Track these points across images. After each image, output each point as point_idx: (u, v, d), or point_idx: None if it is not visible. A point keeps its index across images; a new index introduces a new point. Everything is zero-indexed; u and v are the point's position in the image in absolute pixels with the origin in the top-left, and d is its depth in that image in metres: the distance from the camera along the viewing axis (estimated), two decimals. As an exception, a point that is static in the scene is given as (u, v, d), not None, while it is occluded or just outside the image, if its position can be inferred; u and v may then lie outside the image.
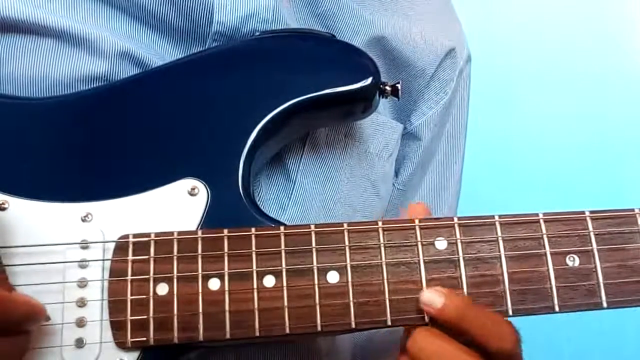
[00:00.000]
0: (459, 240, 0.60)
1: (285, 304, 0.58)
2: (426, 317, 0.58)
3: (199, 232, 0.60)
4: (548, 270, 0.59)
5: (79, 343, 0.57)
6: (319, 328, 0.58)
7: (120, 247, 0.59)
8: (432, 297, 0.58)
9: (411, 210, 0.63)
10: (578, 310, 0.60)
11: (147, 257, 0.59)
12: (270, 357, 0.69)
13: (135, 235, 0.59)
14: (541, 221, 0.61)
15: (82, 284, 0.58)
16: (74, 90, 0.65)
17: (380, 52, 0.76)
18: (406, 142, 0.81)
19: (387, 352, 0.77)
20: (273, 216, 0.63)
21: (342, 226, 0.60)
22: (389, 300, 0.59)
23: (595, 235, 0.60)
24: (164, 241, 0.59)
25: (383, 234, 0.60)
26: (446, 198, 0.85)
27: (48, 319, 0.57)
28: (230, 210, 0.62)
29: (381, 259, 0.59)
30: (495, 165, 1.56)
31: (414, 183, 0.83)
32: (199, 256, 0.59)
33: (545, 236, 0.60)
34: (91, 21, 0.67)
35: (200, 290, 0.58)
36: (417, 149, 0.82)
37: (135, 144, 0.63)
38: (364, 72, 0.66)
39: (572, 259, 0.60)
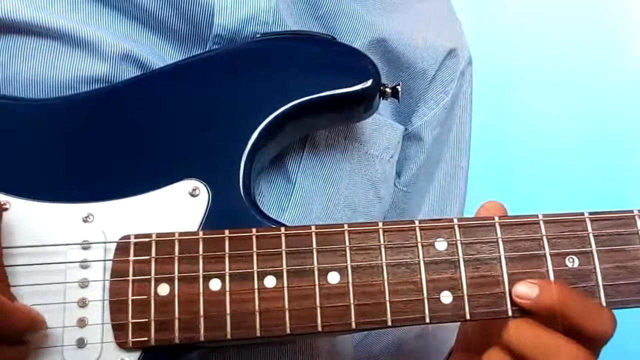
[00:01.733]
0: (458, 241, 0.60)
1: (286, 304, 0.58)
2: (427, 318, 0.58)
3: (200, 233, 0.60)
4: (548, 271, 0.60)
5: (80, 343, 0.58)
6: (320, 328, 0.58)
7: (122, 247, 0.59)
8: (526, 289, 0.58)
9: (486, 208, 0.63)
10: (578, 311, 0.60)
11: (148, 257, 0.59)
12: (271, 357, 0.69)
13: (136, 236, 0.60)
14: (541, 222, 0.61)
15: (84, 284, 0.58)
16: (75, 92, 0.66)
17: (380, 53, 0.76)
18: (408, 144, 0.81)
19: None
20: (273, 217, 0.64)
21: (343, 227, 0.60)
22: (390, 301, 0.59)
23: (595, 236, 0.60)
24: (165, 242, 0.59)
25: (383, 235, 0.60)
26: (454, 201, 0.85)
27: (46, 328, 0.57)
28: (231, 211, 0.62)
29: (381, 259, 0.60)
30: (494, 165, 1.56)
31: (420, 186, 0.83)
32: (200, 257, 0.59)
33: (544, 237, 0.60)
34: (92, 23, 0.67)
35: (201, 291, 0.58)
36: (419, 150, 0.82)
37: (137, 145, 0.63)
38: (364, 74, 0.67)
39: (571, 260, 0.60)
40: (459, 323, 0.68)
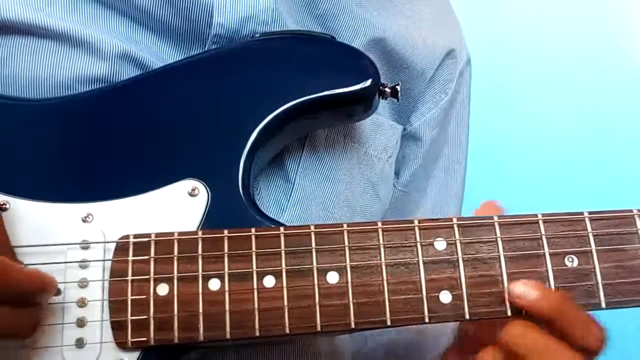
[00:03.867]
0: (458, 241, 0.60)
1: (285, 304, 0.58)
2: (426, 318, 0.58)
3: (199, 233, 0.60)
4: (547, 270, 0.60)
5: (80, 343, 0.57)
6: (319, 328, 0.58)
7: (121, 247, 0.59)
8: (525, 290, 0.58)
9: (485, 208, 0.63)
10: (577, 311, 0.60)
11: (147, 257, 0.59)
12: (270, 357, 0.69)
13: (135, 236, 0.60)
14: (540, 222, 0.61)
15: (83, 284, 0.58)
16: (74, 92, 0.66)
17: (379, 53, 0.76)
18: (406, 143, 0.81)
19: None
20: (272, 217, 0.63)
21: (342, 227, 0.60)
22: (389, 300, 0.59)
23: (594, 235, 0.60)
24: (164, 242, 0.59)
25: (382, 234, 0.60)
26: (452, 200, 0.85)
27: (59, 292, 0.57)
28: (230, 211, 0.62)
29: (380, 259, 0.60)
30: (494, 165, 1.56)
31: (418, 185, 0.83)
32: (199, 256, 0.59)
33: (544, 237, 0.60)
34: (91, 23, 0.67)
35: (200, 291, 0.58)
36: (417, 150, 0.82)
37: (136, 145, 0.63)
38: (363, 73, 0.67)
39: (570, 259, 0.60)
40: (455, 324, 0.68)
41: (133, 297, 0.58)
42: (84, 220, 0.60)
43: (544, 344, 0.56)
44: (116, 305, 0.58)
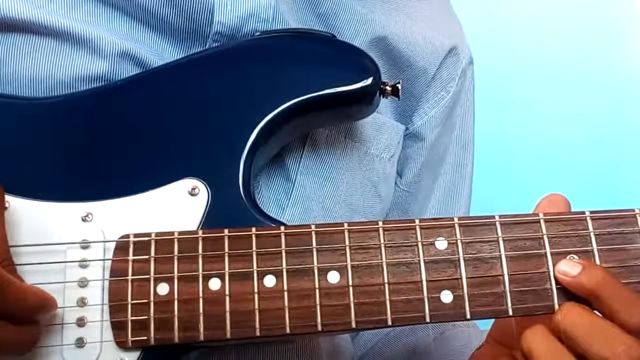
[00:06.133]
0: (459, 241, 0.60)
1: (286, 304, 0.58)
2: (427, 317, 0.58)
3: (200, 232, 0.60)
4: (548, 270, 0.59)
5: (80, 343, 0.57)
6: (319, 328, 0.58)
7: (121, 246, 0.59)
8: (568, 267, 0.58)
9: (550, 200, 0.62)
10: (579, 310, 0.60)
11: (147, 257, 0.59)
12: (271, 356, 0.69)
13: (135, 235, 0.59)
14: (541, 221, 0.61)
15: (83, 283, 0.58)
16: (74, 90, 0.66)
17: (381, 52, 0.77)
18: (409, 143, 0.81)
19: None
20: (273, 216, 0.63)
21: (343, 226, 0.60)
22: (389, 300, 0.59)
23: (596, 235, 0.60)
24: (164, 241, 0.59)
25: (383, 234, 0.60)
26: (460, 201, 0.85)
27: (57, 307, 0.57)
28: (230, 210, 0.62)
29: (381, 259, 0.59)
30: (495, 165, 1.56)
31: (423, 185, 0.83)
32: (200, 256, 0.59)
33: (545, 236, 0.60)
34: (91, 21, 0.67)
35: (200, 290, 0.58)
36: (420, 149, 0.82)
37: (136, 144, 0.63)
38: (364, 72, 0.67)
39: (572, 258, 0.60)
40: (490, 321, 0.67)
41: (133, 297, 0.58)
42: (84, 220, 0.60)
43: (604, 328, 0.55)
44: (116, 305, 0.58)
